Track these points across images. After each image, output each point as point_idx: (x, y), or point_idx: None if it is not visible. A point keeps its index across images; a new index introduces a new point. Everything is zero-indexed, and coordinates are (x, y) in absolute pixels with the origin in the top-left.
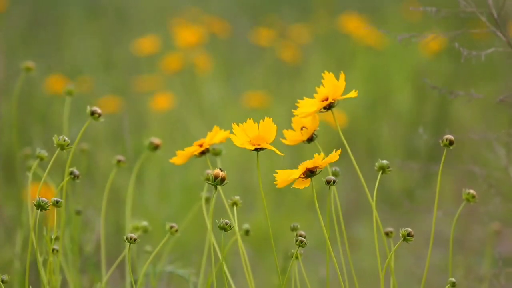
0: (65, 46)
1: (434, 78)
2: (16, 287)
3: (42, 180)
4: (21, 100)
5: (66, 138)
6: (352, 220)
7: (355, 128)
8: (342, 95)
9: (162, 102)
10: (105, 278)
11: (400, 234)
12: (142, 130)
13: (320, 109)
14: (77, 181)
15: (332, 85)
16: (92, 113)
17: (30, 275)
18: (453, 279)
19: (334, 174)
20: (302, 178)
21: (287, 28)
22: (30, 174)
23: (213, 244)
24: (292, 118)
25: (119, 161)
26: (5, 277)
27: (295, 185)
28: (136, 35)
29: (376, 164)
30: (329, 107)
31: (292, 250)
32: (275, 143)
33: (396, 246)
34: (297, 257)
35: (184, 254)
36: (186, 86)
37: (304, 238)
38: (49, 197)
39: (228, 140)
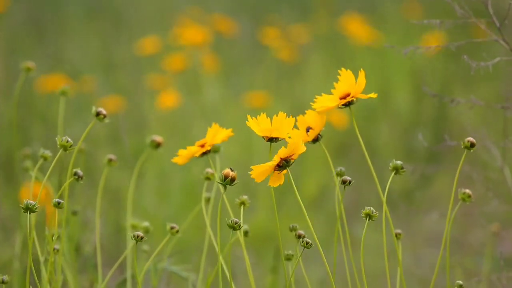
0: (65, 46)
1: (434, 78)
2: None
3: (44, 181)
4: (21, 100)
5: (69, 139)
6: (352, 220)
7: (354, 129)
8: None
9: (163, 101)
10: (106, 279)
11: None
12: (143, 130)
13: (340, 105)
14: (81, 182)
15: (352, 83)
16: (98, 114)
17: (31, 275)
18: (460, 282)
19: (340, 174)
20: (277, 170)
21: (287, 28)
22: (33, 174)
23: (215, 244)
24: (297, 117)
25: (110, 160)
26: (6, 277)
27: (270, 183)
28: (136, 35)
29: (390, 164)
30: (348, 104)
31: (290, 251)
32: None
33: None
34: (289, 259)
35: (184, 254)
36: (187, 86)
37: (305, 237)
38: (47, 198)
39: (230, 139)
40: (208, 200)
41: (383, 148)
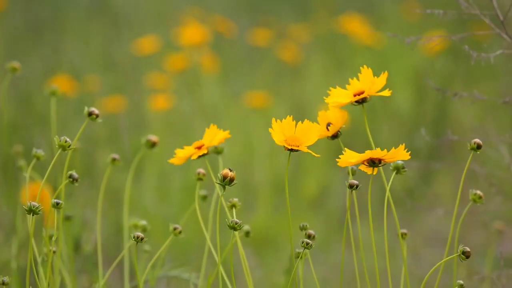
0: (65, 46)
1: (434, 78)
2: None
3: (43, 182)
4: (21, 100)
5: (68, 139)
6: (352, 220)
7: (355, 128)
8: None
9: (163, 101)
10: (104, 278)
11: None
12: (143, 130)
13: (353, 102)
14: (76, 184)
15: (369, 81)
16: (90, 114)
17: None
18: (461, 281)
19: (352, 172)
20: (366, 165)
21: (287, 28)
22: (27, 175)
23: (211, 247)
24: (319, 112)
25: (114, 160)
26: (6, 279)
27: (361, 167)
28: (136, 35)
29: (392, 164)
30: (361, 101)
31: (297, 250)
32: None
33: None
34: (300, 257)
35: (184, 254)
36: (186, 86)
37: (312, 238)
38: (46, 198)
39: (229, 139)
40: (204, 198)
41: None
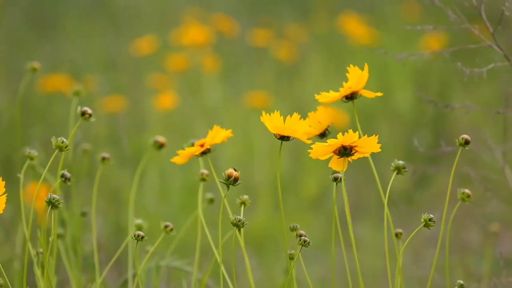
0: (65, 45)
1: (434, 78)
2: (16, 287)
3: (40, 181)
4: (22, 100)
5: (65, 140)
6: (352, 220)
7: (355, 128)
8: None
9: (164, 101)
10: (102, 276)
11: (422, 219)
12: (143, 130)
13: (342, 97)
14: (68, 183)
15: (356, 77)
16: (83, 114)
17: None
18: (461, 281)
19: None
20: (337, 155)
21: (287, 28)
22: (21, 176)
23: (220, 244)
24: (309, 113)
25: (103, 159)
26: (0, 280)
27: (331, 164)
28: (136, 35)
29: (392, 164)
30: (351, 97)
31: (293, 251)
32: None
33: (405, 244)
34: (292, 258)
35: (186, 254)
36: (187, 86)
37: (301, 237)
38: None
39: (230, 139)
40: (211, 201)
41: (384, 148)
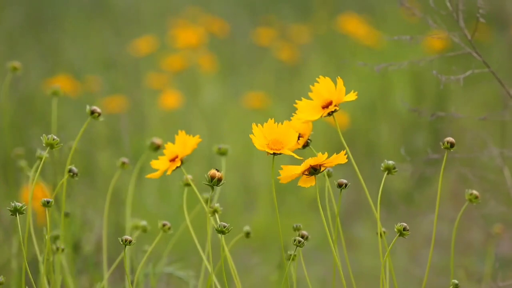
0: (65, 46)
1: (432, 79)
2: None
3: (35, 181)
4: (21, 100)
5: (55, 137)
6: (352, 220)
7: (354, 129)
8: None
9: (166, 101)
10: (104, 278)
11: (396, 230)
12: (143, 130)
13: (324, 116)
14: (76, 178)
15: (332, 89)
16: (92, 112)
17: (27, 275)
18: (456, 281)
19: (328, 174)
20: (306, 175)
21: (287, 28)
22: (31, 175)
23: (221, 244)
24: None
25: (123, 163)
26: (1, 278)
27: (300, 183)
28: (136, 35)
29: (382, 164)
30: (332, 113)
31: (289, 252)
32: None
33: (391, 243)
34: (289, 259)
35: (184, 255)
36: (186, 86)
37: (303, 238)
38: (44, 197)
39: (230, 140)
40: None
41: (383, 148)
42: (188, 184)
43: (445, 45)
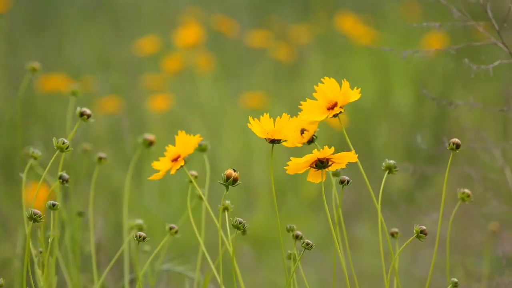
0: (65, 46)
1: (435, 78)
2: (16, 287)
3: (40, 182)
4: (21, 100)
5: (66, 141)
6: (352, 220)
7: (354, 129)
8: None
9: (162, 102)
10: (102, 277)
11: (414, 231)
12: (142, 130)
13: (329, 117)
14: (66, 185)
15: (338, 90)
16: (82, 114)
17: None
18: (455, 279)
19: (335, 174)
20: (314, 168)
21: (287, 28)
22: (23, 175)
23: (224, 244)
24: (294, 119)
25: (100, 159)
26: (1, 280)
27: (309, 178)
28: (136, 35)
29: (383, 164)
30: (337, 115)
31: (289, 251)
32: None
33: (403, 246)
34: (290, 258)
35: (183, 254)
36: (185, 86)
37: (298, 238)
38: (44, 198)
39: (230, 139)
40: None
41: (383, 148)
42: (191, 181)
43: (445, 44)
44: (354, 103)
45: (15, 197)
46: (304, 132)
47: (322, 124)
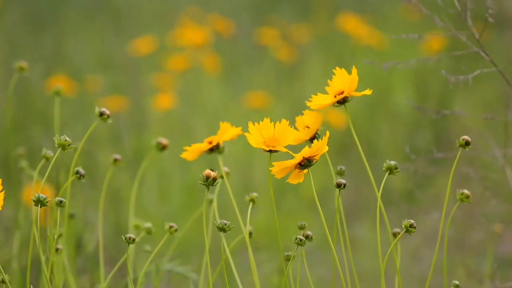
0: (65, 45)
1: (434, 78)
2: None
3: (43, 181)
4: (21, 100)
5: (67, 138)
6: (352, 220)
7: (355, 129)
8: (356, 91)
9: (164, 101)
10: (107, 279)
11: (403, 226)
12: (143, 130)
13: (334, 103)
14: (83, 180)
15: (346, 80)
16: (101, 114)
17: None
18: (456, 282)
19: (339, 173)
20: (299, 168)
21: (287, 28)
22: (35, 174)
23: (223, 244)
24: (296, 118)
25: (115, 160)
26: (6, 277)
27: (290, 179)
28: (136, 34)
29: (384, 164)
30: (343, 101)
31: (290, 252)
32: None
33: (395, 240)
34: (288, 259)
35: (185, 254)
36: (187, 86)
37: (307, 238)
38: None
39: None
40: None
41: (384, 148)
42: (221, 177)
43: (444, 46)
44: (355, 102)
45: (15, 197)
46: (306, 129)
47: (322, 124)
